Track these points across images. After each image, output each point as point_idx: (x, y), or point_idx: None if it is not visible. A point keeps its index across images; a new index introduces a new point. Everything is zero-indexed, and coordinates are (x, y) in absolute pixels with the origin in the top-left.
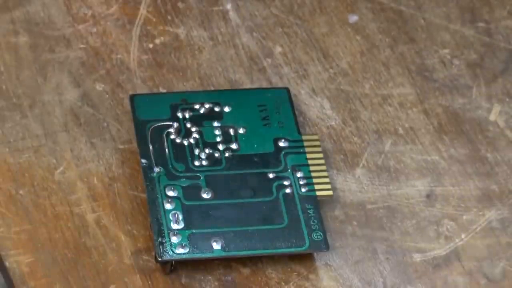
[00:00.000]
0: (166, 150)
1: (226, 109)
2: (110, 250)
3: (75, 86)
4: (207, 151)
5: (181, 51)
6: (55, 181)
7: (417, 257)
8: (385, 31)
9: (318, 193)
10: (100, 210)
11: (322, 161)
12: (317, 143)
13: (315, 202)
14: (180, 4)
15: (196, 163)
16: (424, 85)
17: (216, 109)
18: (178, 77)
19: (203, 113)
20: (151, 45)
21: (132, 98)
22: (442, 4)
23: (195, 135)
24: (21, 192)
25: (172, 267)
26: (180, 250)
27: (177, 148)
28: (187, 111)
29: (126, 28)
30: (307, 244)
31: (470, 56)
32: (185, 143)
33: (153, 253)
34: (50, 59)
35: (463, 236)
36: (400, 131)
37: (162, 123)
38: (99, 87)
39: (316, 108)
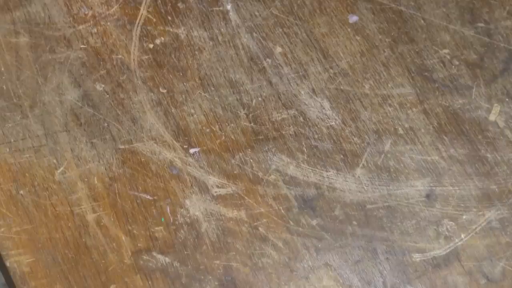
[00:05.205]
0: None
1: None
2: (111, 250)
3: (76, 86)
4: None
5: (181, 51)
6: (55, 181)
7: (417, 257)
8: (385, 31)
9: None
10: (101, 210)
11: None
12: None
13: None
14: (180, 5)
15: None
16: (424, 85)
17: None
18: (178, 77)
19: None
20: (151, 45)
21: None
22: (442, 4)
23: None
24: (21, 192)
25: None
26: None
27: None
28: None
29: (127, 29)
30: None
31: (470, 56)
32: None
33: (153, 253)
34: (51, 60)
35: (462, 236)
36: (400, 131)
37: None
38: (99, 87)
39: (316, 108)
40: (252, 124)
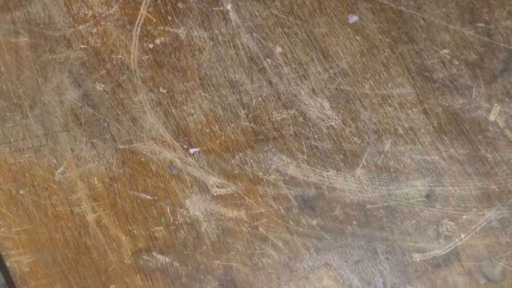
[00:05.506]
0: None
1: None
2: (111, 250)
3: (76, 86)
4: None
5: (181, 51)
6: (55, 181)
7: (417, 257)
8: (385, 31)
9: None
10: (101, 210)
11: None
12: None
13: None
14: (180, 5)
15: None
16: (424, 85)
17: None
18: (178, 77)
19: None
20: (151, 45)
21: None
22: (442, 4)
23: None
24: (21, 192)
25: None
26: None
27: None
28: None
29: (127, 29)
30: None
31: (470, 56)
32: None
33: (153, 253)
34: (51, 60)
35: (462, 236)
36: (400, 131)
37: None
38: (99, 87)
39: (316, 108)
40: (252, 124)
